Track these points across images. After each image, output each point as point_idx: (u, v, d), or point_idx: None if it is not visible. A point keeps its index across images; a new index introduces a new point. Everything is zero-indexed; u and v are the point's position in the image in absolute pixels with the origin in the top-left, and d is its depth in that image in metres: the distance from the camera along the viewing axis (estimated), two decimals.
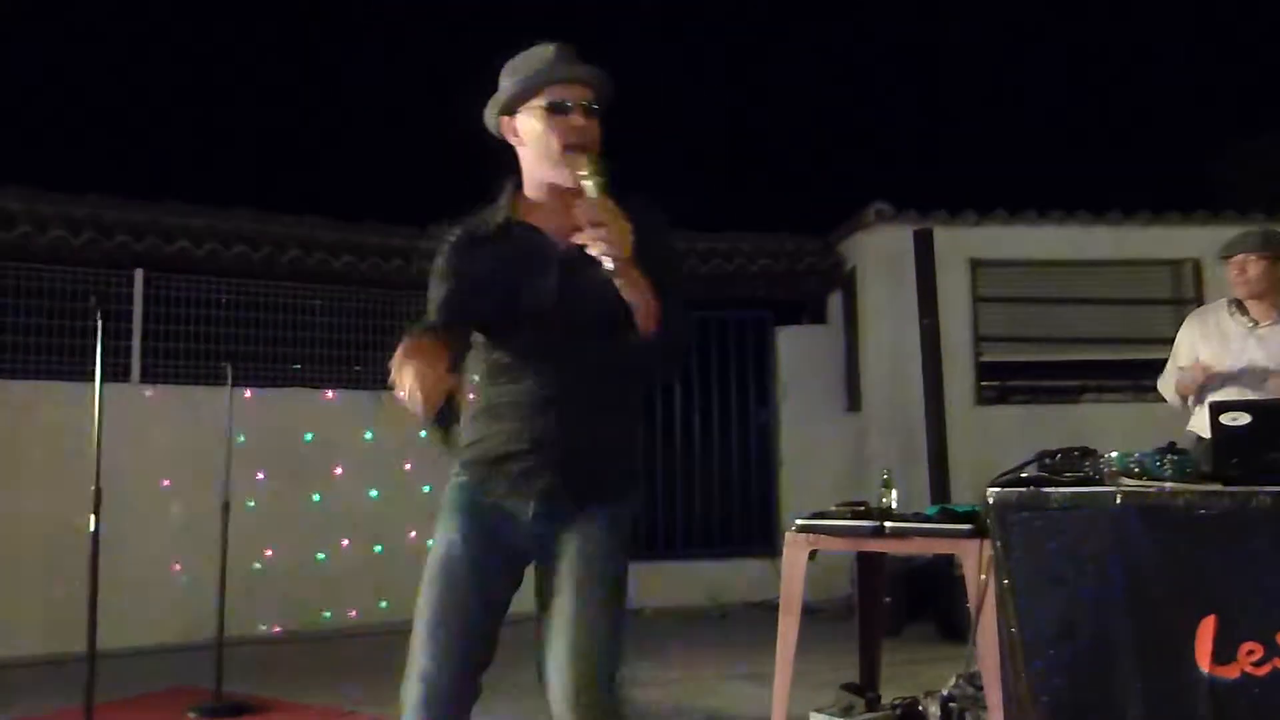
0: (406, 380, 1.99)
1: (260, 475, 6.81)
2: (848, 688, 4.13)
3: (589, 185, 2.07)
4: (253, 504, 6.60)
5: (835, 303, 8.67)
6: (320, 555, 7.11)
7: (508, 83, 2.21)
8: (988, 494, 2.80)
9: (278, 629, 6.73)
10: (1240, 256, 4.38)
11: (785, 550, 3.90)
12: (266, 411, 6.85)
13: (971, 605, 3.40)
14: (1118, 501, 2.64)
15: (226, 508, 4.83)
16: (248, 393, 6.53)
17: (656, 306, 2.08)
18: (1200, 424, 4.20)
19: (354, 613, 7.12)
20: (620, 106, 2.25)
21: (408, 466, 7.49)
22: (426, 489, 7.51)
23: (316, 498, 7.15)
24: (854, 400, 8.29)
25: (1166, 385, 4.62)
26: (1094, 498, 2.68)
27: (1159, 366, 4.82)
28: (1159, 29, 12.82)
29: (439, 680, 2.11)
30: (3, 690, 5.19)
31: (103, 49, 11.85)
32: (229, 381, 5.00)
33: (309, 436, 7.17)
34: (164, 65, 12.40)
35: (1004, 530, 2.74)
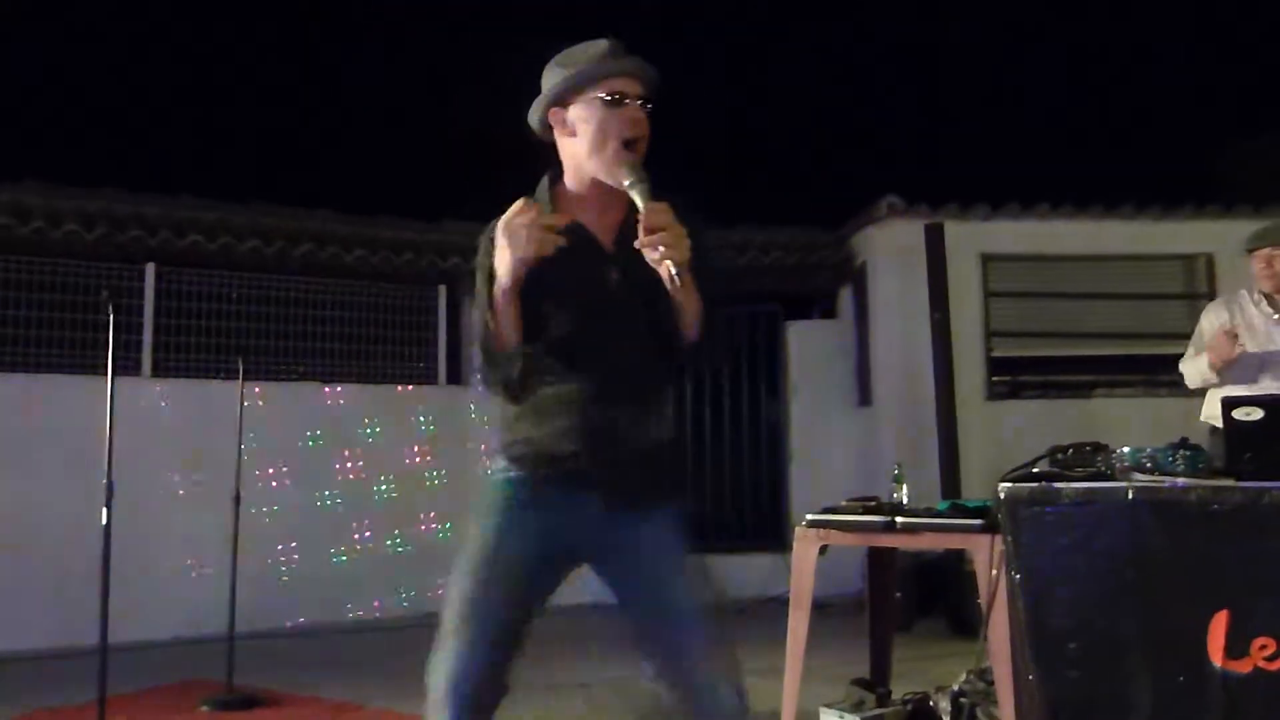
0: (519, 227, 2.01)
1: (272, 469, 6.84)
2: (858, 683, 4.12)
3: (636, 191, 2.07)
4: (264, 498, 6.63)
5: (846, 297, 8.66)
6: (331, 549, 7.14)
7: (560, 74, 2.19)
8: (999, 489, 2.79)
9: (289, 623, 6.76)
10: (1267, 250, 4.42)
11: (795, 545, 3.89)
12: (278, 406, 6.88)
13: (982, 600, 3.39)
14: (1130, 497, 2.62)
15: (238, 501, 4.85)
16: (259, 387, 6.56)
17: (701, 311, 2.09)
18: (1213, 413, 4.21)
19: (365, 607, 7.16)
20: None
21: (419, 460, 7.51)
22: (438, 483, 7.54)
23: (328, 492, 7.17)
24: (865, 395, 8.27)
25: (1189, 365, 4.62)
26: (1106, 493, 2.67)
27: (1172, 361, 4.80)
28: (1163, 28, 12.80)
29: (467, 675, 2.08)
30: (15, 683, 5.22)
31: (114, 46, 11.90)
32: (240, 376, 5.02)
33: (320, 430, 7.20)
34: (177, 63, 12.45)
35: (1015, 525, 2.73)
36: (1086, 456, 2.91)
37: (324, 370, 7.33)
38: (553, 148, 2.28)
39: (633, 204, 2.15)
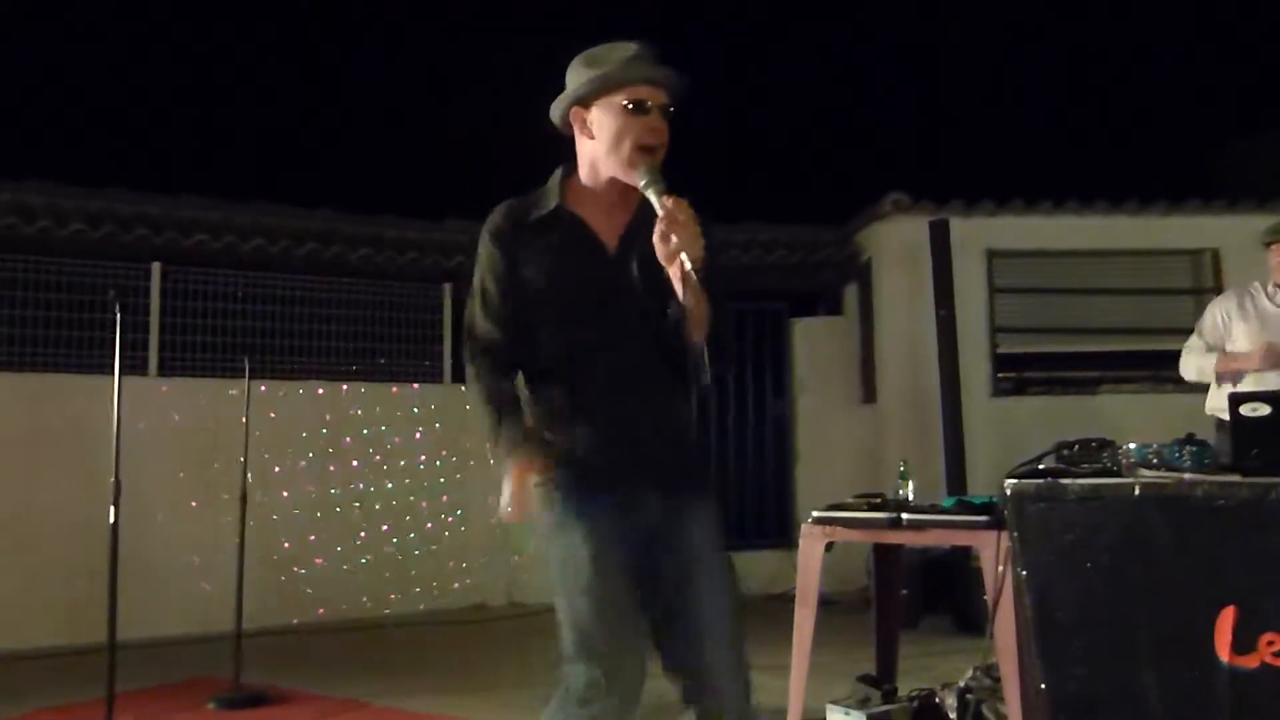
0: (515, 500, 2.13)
1: (278, 468, 6.86)
2: (864, 679, 4.12)
3: (651, 190, 2.08)
4: (270, 496, 6.65)
5: (851, 294, 8.65)
6: (338, 547, 7.16)
7: (587, 74, 2.19)
8: (1005, 485, 2.79)
9: (296, 620, 6.77)
10: None
11: (801, 542, 3.89)
12: (284, 404, 6.90)
13: (988, 597, 3.39)
14: (1136, 493, 2.62)
15: (244, 499, 4.85)
16: (264, 386, 6.57)
17: (708, 314, 2.10)
18: (1219, 405, 4.20)
19: (372, 604, 7.17)
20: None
21: (425, 459, 7.53)
22: (444, 480, 7.56)
23: (334, 490, 7.18)
24: (870, 392, 8.27)
25: (1191, 357, 4.61)
26: (1112, 489, 2.66)
27: (1178, 358, 4.79)
28: (1165, 27, 12.79)
29: (616, 662, 2.08)
30: (23, 681, 5.23)
31: (116, 46, 11.91)
32: (247, 374, 5.03)
33: (326, 429, 7.21)
34: (178, 62, 12.46)
35: (1021, 521, 2.73)
36: (1093, 452, 2.90)
37: (329, 369, 7.34)
38: (566, 143, 2.28)
39: (641, 207, 2.16)
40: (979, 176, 8.30)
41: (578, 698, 2.08)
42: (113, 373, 3.80)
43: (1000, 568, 3.23)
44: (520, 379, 2.27)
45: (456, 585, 7.53)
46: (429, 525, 7.46)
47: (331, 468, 7.19)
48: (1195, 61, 13.05)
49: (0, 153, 7.86)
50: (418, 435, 7.54)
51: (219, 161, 11.22)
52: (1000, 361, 7.83)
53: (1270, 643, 2.42)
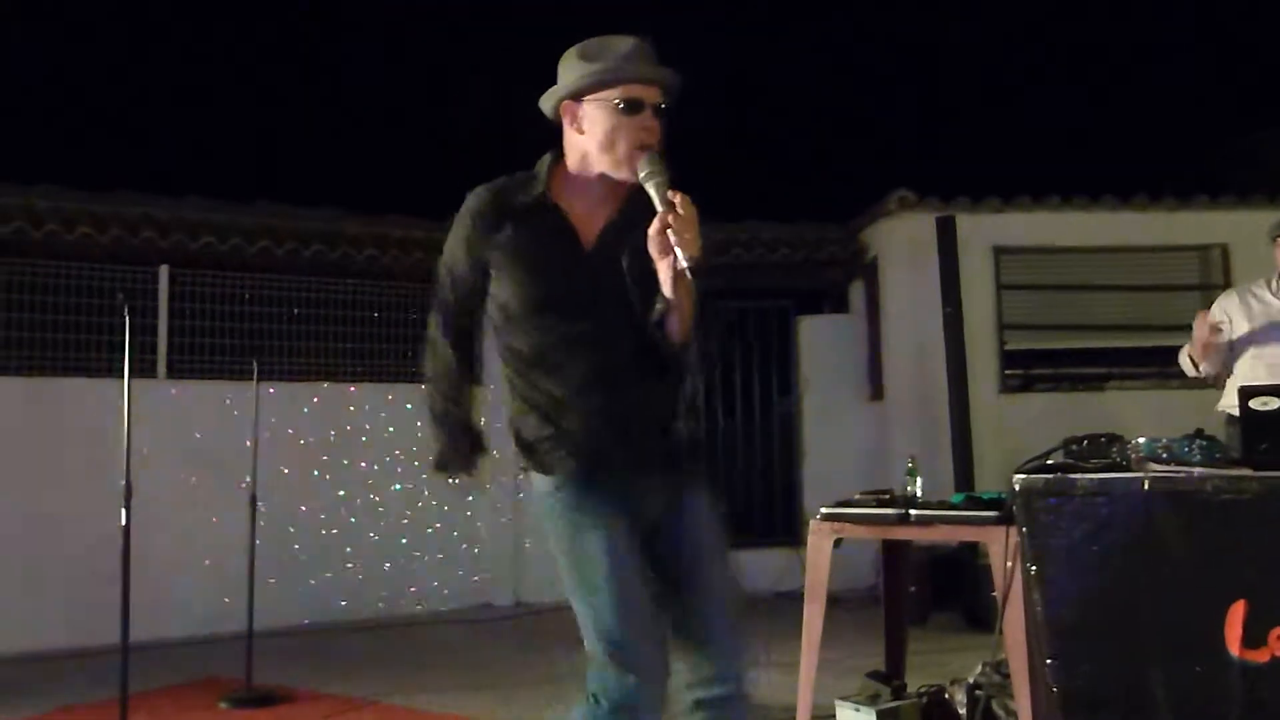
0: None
1: (287, 469, 6.87)
2: (873, 676, 4.12)
3: (652, 183, 2.06)
4: (280, 497, 6.66)
5: (857, 291, 8.64)
6: (348, 547, 7.17)
7: (580, 69, 2.15)
8: (1014, 480, 2.78)
9: (307, 620, 6.79)
10: None
11: (809, 539, 3.89)
12: (292, 405, 6.91)
13: (997, 593, 3.38)
14: (1145, 487, 2.62)
15: (254, 501, 4.87)
16: (273, 387, 6.58)
17: (693, 312, 2.08)
18: (1230, 402, 4.19)
19: (383, 604, 7.18)
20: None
21: (432, 459, 7.53)
22: (452, 481, 7.55)
23: (343, 491, 7.20)
24: (877, 389, 8.26)
25: (1182, 355, 4.60)
26: (1121, 483, 2.66)
27: None
28: (1165, 26, 12.80)
29: (641, 652, 2.08)
30: (35, 683, 5.25)
31: (116, 49, 11.94)
32: (255, 376, 5.04)
33: (334, 430, 7.22)
34: (179, 64, 12.48)
35: (1030, 517, 2.73)
36: (1102, 447, 2.90)
37: (337, 369, 7.35)
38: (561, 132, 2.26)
39: (629, 203, 2.14)
40: (984, 174, 8.28)
41: (611, 707, 2.04)
42: (122, 376, 3.82)
43: (1009, 563, 3.23)
44: (509, 369, 2.29)
45: (463, 585, 7.54)
46: (437, 524, 7.48)
47: (340, 468, 7.21)
48: (1198, 60, 13.05)
49: (7, 158, 7.88)
50: (425, 436, 7.55)
51: (220, 163, 11.23)
52: (1007, 358, 7.81)
53: None
